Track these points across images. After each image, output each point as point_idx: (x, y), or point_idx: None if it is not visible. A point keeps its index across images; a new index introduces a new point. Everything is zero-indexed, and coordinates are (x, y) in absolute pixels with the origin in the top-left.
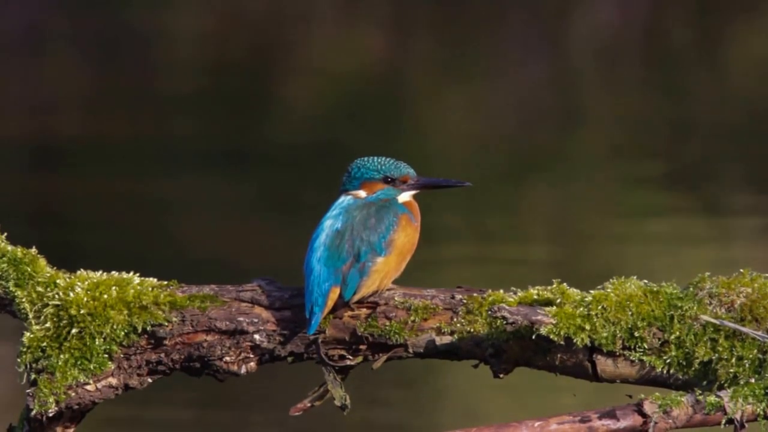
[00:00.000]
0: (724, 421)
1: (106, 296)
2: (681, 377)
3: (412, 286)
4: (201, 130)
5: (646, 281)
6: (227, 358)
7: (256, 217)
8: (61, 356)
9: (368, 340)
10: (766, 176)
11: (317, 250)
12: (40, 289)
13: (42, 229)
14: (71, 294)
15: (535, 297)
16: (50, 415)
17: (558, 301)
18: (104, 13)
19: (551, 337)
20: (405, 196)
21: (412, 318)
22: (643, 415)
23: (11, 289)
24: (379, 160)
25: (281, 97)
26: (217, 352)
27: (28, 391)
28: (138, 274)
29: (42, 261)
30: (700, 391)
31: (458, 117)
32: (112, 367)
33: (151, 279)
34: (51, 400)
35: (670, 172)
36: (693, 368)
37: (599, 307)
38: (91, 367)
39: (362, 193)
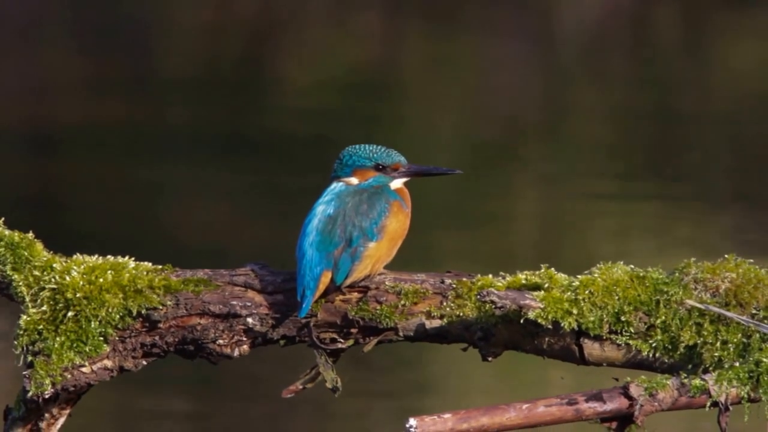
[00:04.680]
0: (708, 404)
1: (101, 280)
2: (666, 361)
3: (402, 270)
4: (196, 117)
5: (632, 266)
6: (220, 341)
7: (249, 203)
8: (57, 339)
9: (359, 323)
10: (751, 166)
11: (309, 235)
12: (36, 272)
13: (39, 213)
14: (67, 278)
15: (524, 282)
16: (46, 396)
17: (546, 285)
18: (101, 0)
19: (539, 321)
20: (396, 183)
21: (402, 302)
22: (630, 397)
23: (8, 272)
24: (371, 147)
25: (275, 85)
26: (210, 335)
27: (24, 373)
28: (133, 259)
29: (39, 245)
30: (686, 375)
31: (448, 107)
32: (108, 350)
33: (145, 263)
34: (47, 381)
35: (656, 161)
36: (678, 352)
37: (586, 292)
38: (87, 349)
39: (354, 180)
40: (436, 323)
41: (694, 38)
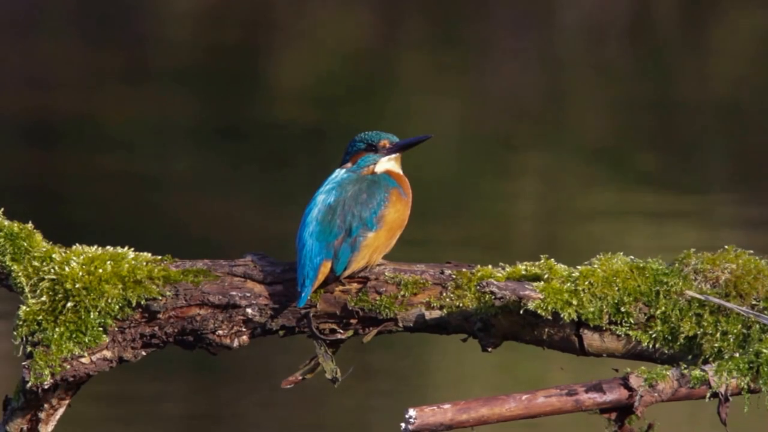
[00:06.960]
0: (708, 395)
1: (101, 270)
2: (666, 352)
3: (402, 261)
4: (195, 108)
5: (632, 257)
6: (220, 332)
7: (249, 194)
8: (57, 329)
9: (359, 314)
10: (748, 154)
11: (309, 225)
12: (36, 263)
13: (38, 204)
14: (67, 268)
15: (523, 272)
16: (45, 387)
17: (546, 276)
18: None
19: (539, 311)
20: (385, 161)
21: (402, 293)
22: (629, 388)
23: (8, 263)
24: (366, 132)
25: (274, 75)
26: (210, 326)
27: (23, 363)
28: (132, 249)
29: (38, 236)
30: (686, 365)
31: (448, 97)
32: (107, 340)
33: (145, 254)
34: (46, 372)
35: (656, 151)
36: (678, 343)
37: (586, 283)
38: (86, 340)
39: (349, 165)
40: (436, 314)
41: (695, 26)
